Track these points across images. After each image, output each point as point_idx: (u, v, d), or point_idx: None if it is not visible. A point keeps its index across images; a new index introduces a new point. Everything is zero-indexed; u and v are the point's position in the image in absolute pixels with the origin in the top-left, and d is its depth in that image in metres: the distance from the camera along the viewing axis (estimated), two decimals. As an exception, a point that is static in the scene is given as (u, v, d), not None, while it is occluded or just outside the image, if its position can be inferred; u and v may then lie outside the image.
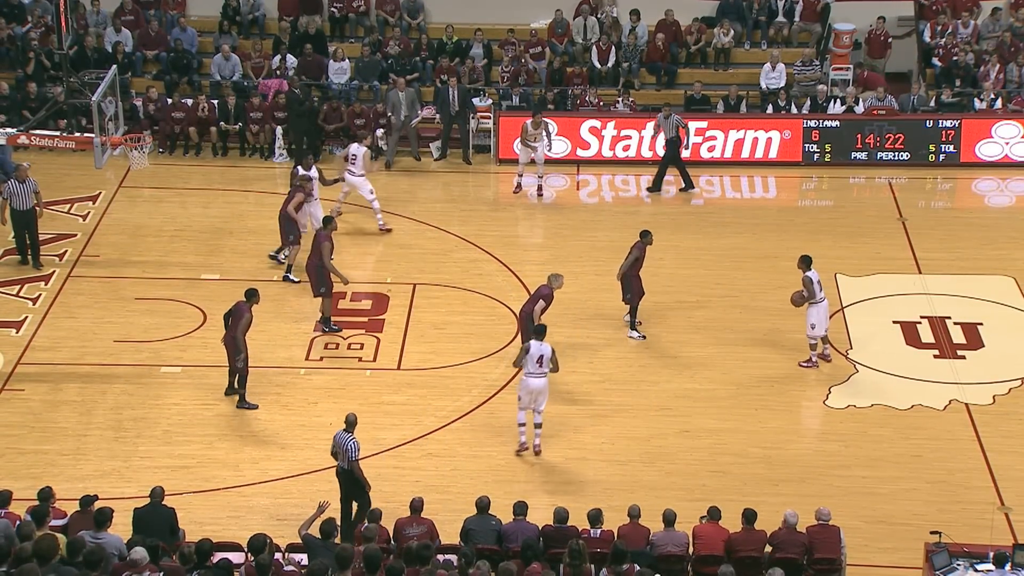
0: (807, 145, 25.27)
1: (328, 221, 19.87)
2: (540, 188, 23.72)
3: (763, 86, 26.36)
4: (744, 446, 17.32)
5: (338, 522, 14.23)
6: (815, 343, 18.94)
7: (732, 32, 27.21)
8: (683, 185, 24.09)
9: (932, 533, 14.13)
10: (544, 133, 23.41)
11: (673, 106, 26.21)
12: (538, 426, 16.88)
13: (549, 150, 23.80)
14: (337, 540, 13.46)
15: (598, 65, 26.70)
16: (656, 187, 24.14)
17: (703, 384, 18.63)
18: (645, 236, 19.43)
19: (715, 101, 26.02)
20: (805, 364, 18.95)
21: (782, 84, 26.19)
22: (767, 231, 22.92)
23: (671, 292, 20.80)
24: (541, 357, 16.68)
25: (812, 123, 25.27)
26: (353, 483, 15.09)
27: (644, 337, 19.56)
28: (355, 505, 15.19)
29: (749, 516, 14.05)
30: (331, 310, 19.64)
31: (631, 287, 19.48)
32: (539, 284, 18.57)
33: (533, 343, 16.76)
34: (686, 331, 19.84)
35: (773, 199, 24.90)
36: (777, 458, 17.10)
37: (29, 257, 20.96)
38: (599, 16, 27.29)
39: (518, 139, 23.65)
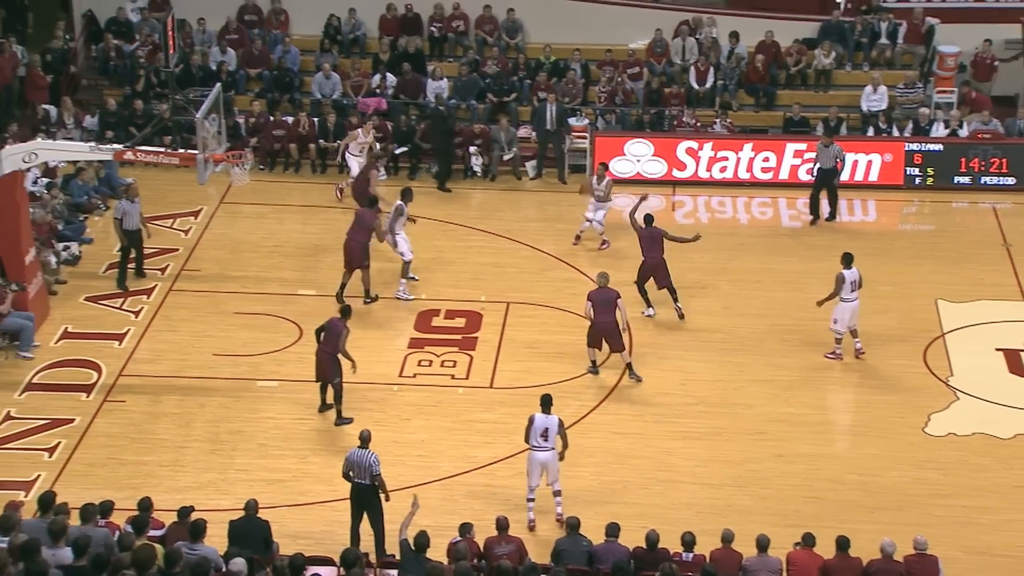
0: (909, 168, 24.89)
1: (374, 202, 20.89)
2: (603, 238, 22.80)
3: (864, 108, 26.02)
4: (840, 472, 17.07)
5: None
6: (840, 338, 19.15)
7: (834, 54, 26.93)
8: (827, 214, 23.62)
9: (1034, 566, 13.82)
10: (607, 184, 22.44)
11: (772, 128, 26.05)
12: (557, 493, 16.00)
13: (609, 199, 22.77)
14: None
15: (696, 86, 26.58)
16: (814, 213, 23.62)
17: (798, 408, 18.41)
18: (650, 219, 20.37)
19: (814, 123, 25.76)
20: (829, 356, 19.25)
21: (883, 106, 25.83)
22: (866, 255, 22.42)
23: (767, 315, 20.60)
24: (546, 431, 15.82)
25: (914, 146, 24.89)
26: (371, 501, 15.01)
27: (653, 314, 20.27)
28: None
29: (842, 543, 13.82)
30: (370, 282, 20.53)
31: (665, 272, 20.17)
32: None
33: (537, 416, 15.89)
34: (781, 355, 19.62)
35: (873, 222, 24.54)
36: (874, 485, 16.83)
37: (131, 270, 21.35)
38: (698, 36, 27.18)
39: (590, 197, 22.70)
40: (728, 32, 27.01)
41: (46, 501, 13.51)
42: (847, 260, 19.20)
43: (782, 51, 27.04)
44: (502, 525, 14.10)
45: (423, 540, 13.41)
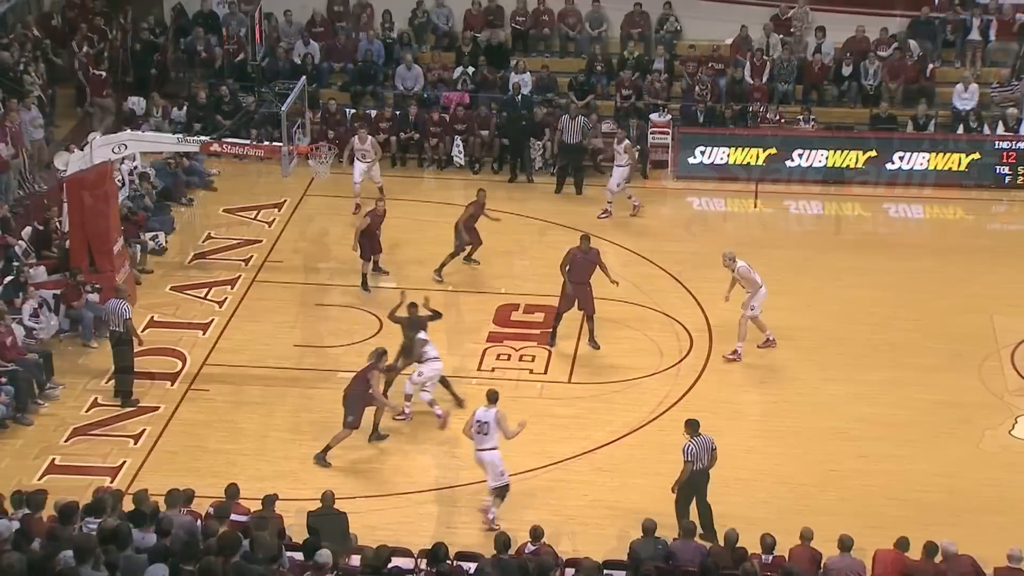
0: (999, 167, 24.45)
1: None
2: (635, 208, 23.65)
3: (956, 106, 25.56)
4: (924, 474, 16.82)
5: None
6: None
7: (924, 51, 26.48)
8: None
9: (1125, 574, 13.47)
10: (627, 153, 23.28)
11: (858, 124, 25.67)
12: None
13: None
14: None
15: (766, 82, 26.22)
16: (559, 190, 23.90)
17: (882, 408, 18.16)
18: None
19: (903, 121, 25.36)
20: None
21: (974, 104, 25.37)
22: (953, 254, 22.23)
23: (851, 314, 20.35)
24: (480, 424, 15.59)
25: (1005, 144, 24.44)
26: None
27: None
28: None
29: (931, 550, 13.53)
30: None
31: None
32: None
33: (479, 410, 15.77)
34: (865, 354, 19.37)
35: (960, 220, 24.15)
36: (958, 487, 16.56)
37: None
38: (791, 32, 26.77)
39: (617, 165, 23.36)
40: (815, 27, 26.70)
41: (138, 499, 13.60)
42: None
43: (871, 47, 26.64)
44: (536, 535, 13.82)
45: (505, 538, 13.31)
